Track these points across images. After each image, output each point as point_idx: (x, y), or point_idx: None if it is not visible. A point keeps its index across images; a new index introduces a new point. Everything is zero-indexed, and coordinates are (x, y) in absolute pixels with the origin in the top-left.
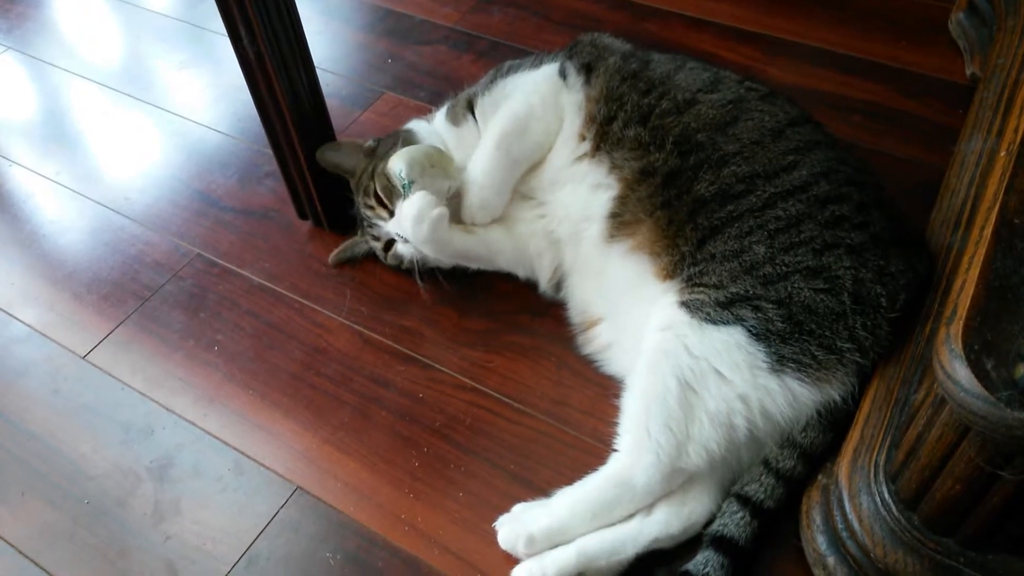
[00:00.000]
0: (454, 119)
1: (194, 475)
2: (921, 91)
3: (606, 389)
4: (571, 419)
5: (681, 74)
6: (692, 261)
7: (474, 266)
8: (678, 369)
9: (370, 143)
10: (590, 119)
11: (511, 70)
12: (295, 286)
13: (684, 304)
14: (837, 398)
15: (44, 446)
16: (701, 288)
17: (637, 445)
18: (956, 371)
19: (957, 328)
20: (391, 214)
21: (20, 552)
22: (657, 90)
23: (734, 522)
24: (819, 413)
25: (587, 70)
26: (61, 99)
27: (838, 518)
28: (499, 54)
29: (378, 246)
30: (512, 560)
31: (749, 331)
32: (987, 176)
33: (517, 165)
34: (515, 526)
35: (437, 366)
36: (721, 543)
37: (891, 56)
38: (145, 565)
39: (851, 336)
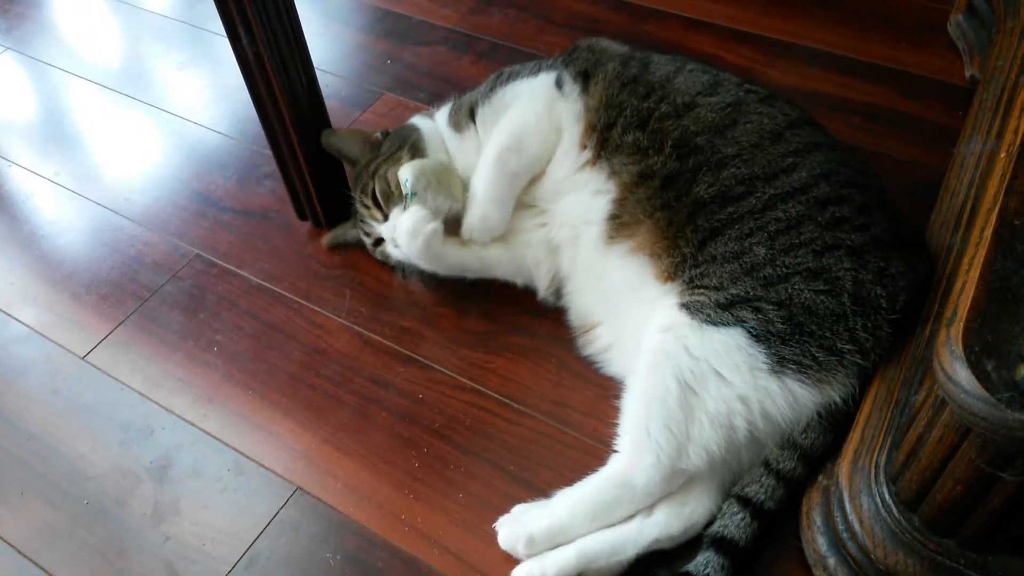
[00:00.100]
0: (456, 125)
1: (194, 475)
2: (921, 93)
3: (606, 390)
4: (571, 420)
5: (680, 77)
6: (693, 263)
7: (470, 276)
8: (678, 370)
9: (377, 135)
10: (590, 128)
11: (511, 77)
12: (294, 287)
13: (684, 306)
14: (837, 399)
15: (43, 446)
16: (701, 290)
17: (637, 446)
18: (957, 372)
19: (957, 329)
20: (385, 217)
21: (19, 552)
22: (656, 94)
23: (734, 523)
24: (819, 414)
25: (584, 77)
26: (60, 99)
27: (839, 519)
28: (499, 55)
29: (367, 240)
30: (512, 561)
31: (749, 332)
32: (987, 178)
33: (517, 179)
34: (515, 527)
35: (437, 367)
36: (721, 544)
37: (890, 57)
38: (144, 565)
39: (851, 337)
